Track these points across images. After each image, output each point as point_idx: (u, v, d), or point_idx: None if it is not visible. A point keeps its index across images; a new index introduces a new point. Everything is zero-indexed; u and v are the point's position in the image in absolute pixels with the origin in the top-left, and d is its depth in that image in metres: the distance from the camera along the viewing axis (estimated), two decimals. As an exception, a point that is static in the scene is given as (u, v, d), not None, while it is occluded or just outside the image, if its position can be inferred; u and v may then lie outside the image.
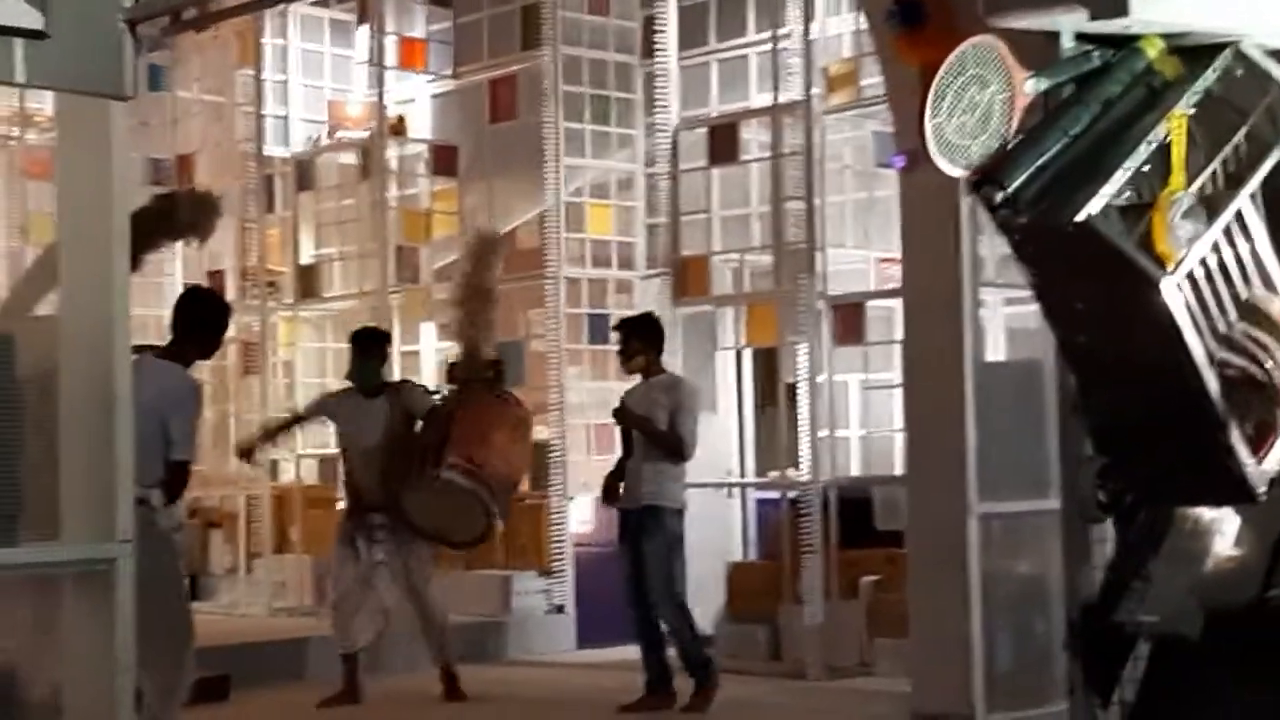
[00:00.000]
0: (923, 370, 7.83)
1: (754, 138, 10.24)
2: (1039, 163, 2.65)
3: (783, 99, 9.66)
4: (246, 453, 9.48)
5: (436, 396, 8.89)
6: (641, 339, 8.43)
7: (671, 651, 8.33)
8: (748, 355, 10.97)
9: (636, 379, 8.44)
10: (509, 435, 8.55)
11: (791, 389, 9.69)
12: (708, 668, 8.27)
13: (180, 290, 12.54)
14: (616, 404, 8.51)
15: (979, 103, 2.66)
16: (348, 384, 8.90)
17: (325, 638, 9.95)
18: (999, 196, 2.62)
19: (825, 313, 9.54)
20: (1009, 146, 2.71)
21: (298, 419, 9.40)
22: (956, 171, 2.65)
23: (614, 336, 8.86)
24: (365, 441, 8.57)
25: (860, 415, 10.01)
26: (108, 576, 4.56)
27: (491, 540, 9.39)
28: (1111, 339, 2.72)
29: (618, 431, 8.61)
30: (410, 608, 8.65)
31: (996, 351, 8.88)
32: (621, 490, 8.33)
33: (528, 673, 9.90)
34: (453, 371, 8.97)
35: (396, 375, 10.07)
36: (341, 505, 11.57)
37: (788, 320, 9.59)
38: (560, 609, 10.75)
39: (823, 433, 9.46)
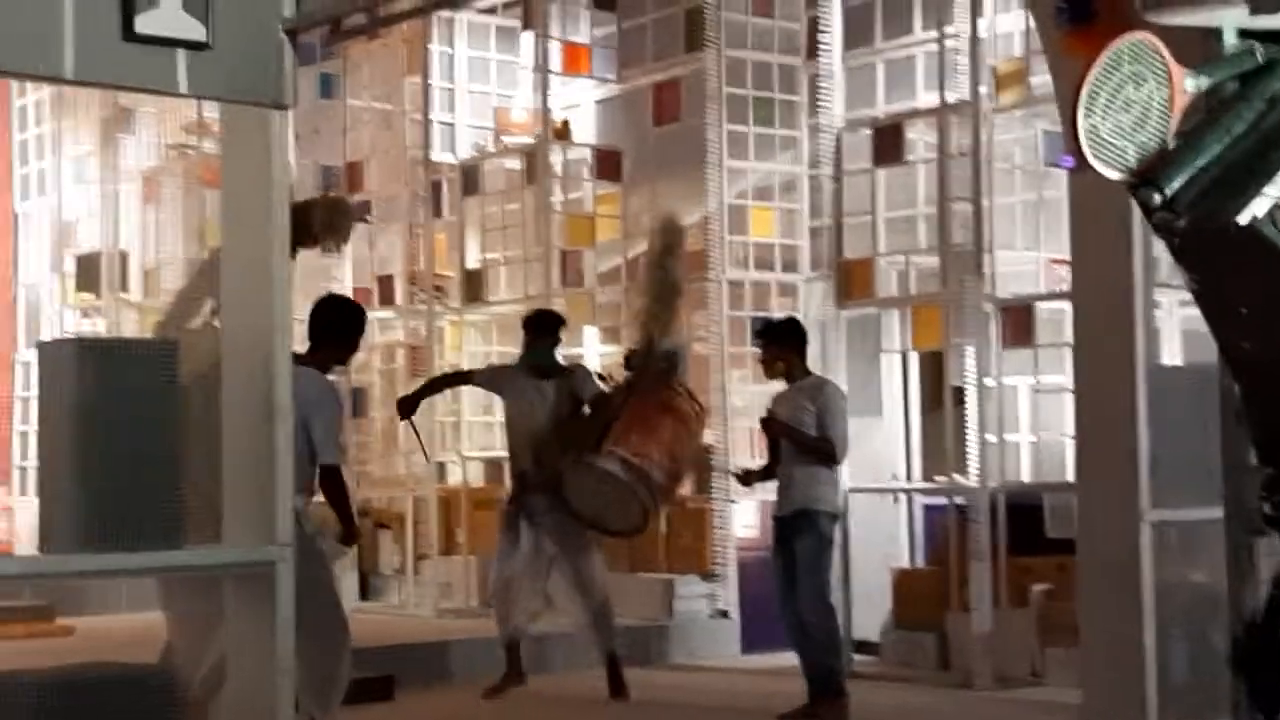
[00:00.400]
0: (1093, 374, 7.63)
1: (920, 138, 10.09)
2: (1199, 163, 2.53)
3: (950, 98, 9.51)
4: (408, 405, 9.08)
5: (610, 382, 8.86)
6: (779, 344, 8.33)
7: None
8: (914, 358, 10.82)
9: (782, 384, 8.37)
10: (675, 428, 8.45)
11: (958, 393, 9.53)
12: (830, 681, 8.09)
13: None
14: (764, 412, 8.42)
15: (1135, 102, 2.55)
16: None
17: (491, 639, 10.06)
18: (1157, 199, 2.52)
19: (993, 315, 9.37)
20: (1168, 147, 2.60)
21: (464, 378, 9.25)
22: (1112, 173, 2.54)
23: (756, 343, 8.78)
24: (531, 422, 8.57)
25: (1030, 420, 9.80)
26: (268, 579, 4.63)
27: (648, 533, 9.29)
28: (1276, 345, 2.60)
29: (765, 439, 8.52)
30: (574, 597, 8.61)
31: (1172, 355, 8.65)
32: (775, 495, 8.27)
33: (691, 677, 9.87)
34: (629, 360, 8.90)
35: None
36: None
37: (954, 323, 9.44)
38: (724, 614, 10.71)
39: (991, 437, 9.29)
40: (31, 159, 14.67)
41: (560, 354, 9.04)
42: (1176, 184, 2.52)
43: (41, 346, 4.57)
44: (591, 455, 8.28)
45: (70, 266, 13.87)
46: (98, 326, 13.06)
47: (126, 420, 4.41)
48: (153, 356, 4.52)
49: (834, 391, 8.37)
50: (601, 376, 9.05)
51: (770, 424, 8.29)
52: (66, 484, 4.39)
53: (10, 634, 9.75)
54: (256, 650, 4.70)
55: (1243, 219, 2.51)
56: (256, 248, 4.76)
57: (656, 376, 8.58)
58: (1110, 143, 2.54)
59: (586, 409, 8.62)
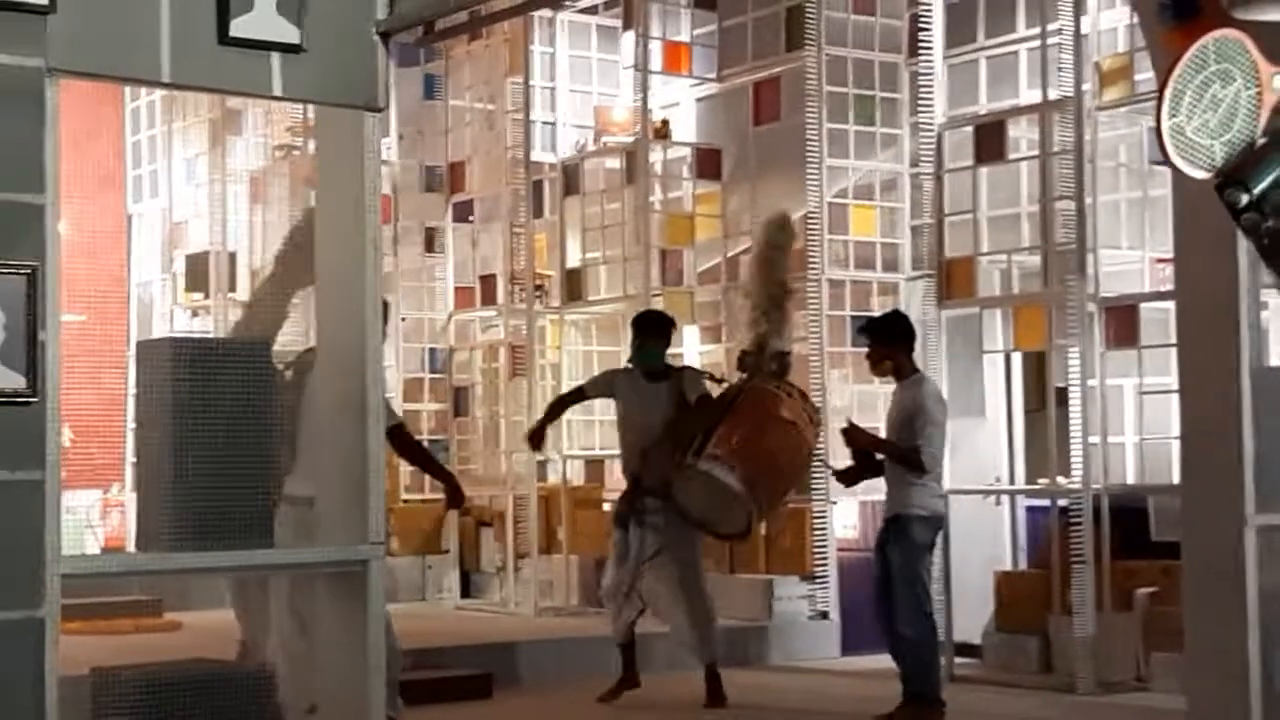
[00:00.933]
0: (1198, 375, 7.50)
1: (1023, 135, 9.97)
2: (1288, 163, 2.47)
3: (1052, 95, 9.39)
4: (537, 438, 9.31)
5: (722, 385, 8.81)
6: (883, 340, 8.18)
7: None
8: (1016, 359, 10.69)
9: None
10: (783, 432, 8.34)
11: (1062, 394, 9.41)
12: (925, 694, 7.96)
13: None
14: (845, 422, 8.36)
15: (1222, 100, 2.49)
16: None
17: (589, 639, 10.08)
18: (1244, 199, 2.46)
19: (1097, 315, 9.24)
20: (1255, 146, 2.53)
21: (582, 395, 9.21)
22: (1198, 173, 2.49)
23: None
24: (643, 425, 8.54)
25: (1135, 421, 9.65)
26: (360, 577, 4.66)
27: (753, 536, 9.25)
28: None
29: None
30: (677, 602, 8.58)
31: (1280, 356, 8.49)
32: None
33: (789, 679, 9.82)
34: (742, 360, 8.84)
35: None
36: (609, 503, 11.81)
37: (1057, 323, 9.32)
38: (824, 615, 10.65)
39: (1094, 439, 9.16)
40: (144, 161, 14.91)
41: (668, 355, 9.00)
42: (1265, 184, 2.46)
43: (140, 346, 4.66)
44: (695, 458, 8.22)
45: (180, 267, 14.08)
46: (206, 326, 13.25)
47: (221, 418, 4.47)
48: (247, 355, 4.58)
49: (927, 392, 8.11)
50: (714, 378, 9.01)
51: (850, 434, 8.18)
52: (162, 482, 4.45)
53: (118, 628, 9.92)
54: (348, 648, 4.73)
55: (1333, 220, 2.45)
56: (350, 249, 4.80)
57: (767, 377, 8.52)
58: (1196, 142, 2.49)
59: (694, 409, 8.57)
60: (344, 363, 4.78)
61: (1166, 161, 2.45)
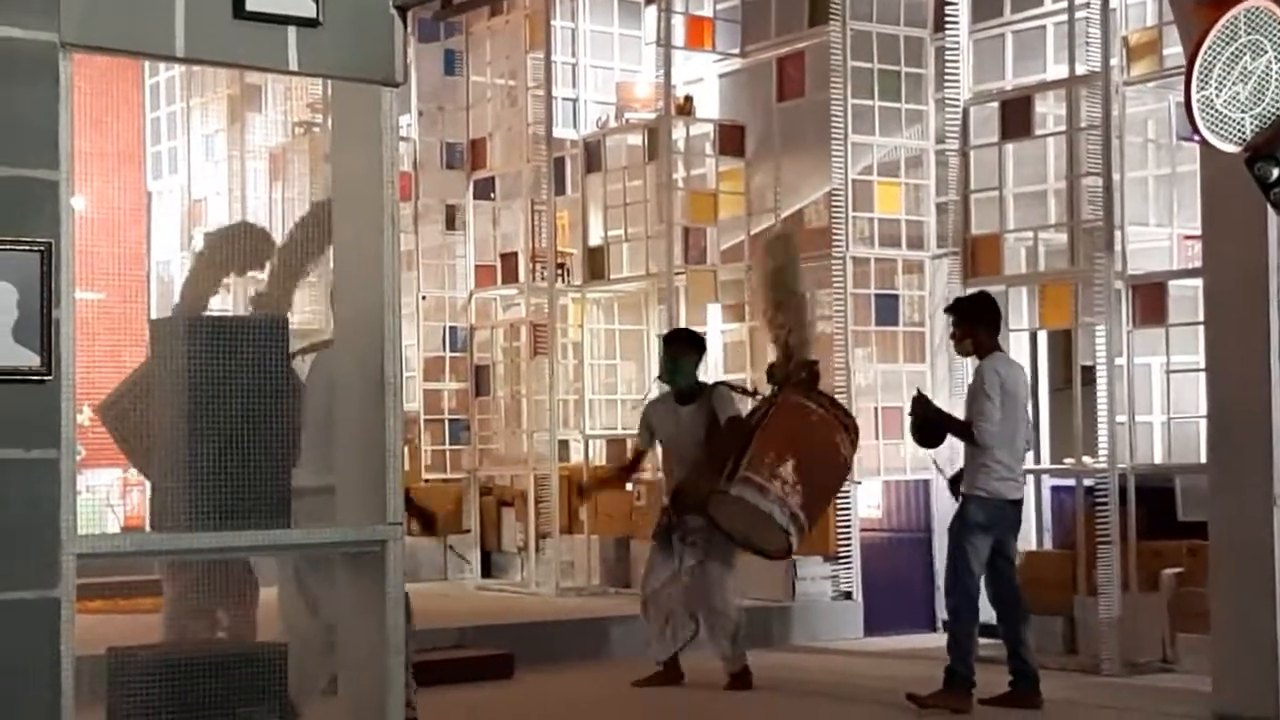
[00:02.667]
0: (1226, 354, 7.43)
1: (1049, 111, 9.86)
2: (1319, 137, 2.40)
3: (1079, 70, 9.28)
4: (585, 491, 9.62)
5: (755, 397, 8.76)
6: (964, 320, 8.11)
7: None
8: (1043, 337, 10.60)
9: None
10: (815, 443, 8.28)
11: (1088, 372, 9.32)
12: (964, 669, 7.88)
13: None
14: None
15: (1252, 72, 2.42)
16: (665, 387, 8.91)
17: (610, 618, 10.06)
18: (1275, 174, 2.39)
19: (1124, 293, 9.15)
20: (1285, 123, 2.46)
21: (639, 452, 9.10)
22: (1228, 147, 2.42)
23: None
24: (681, 450, 8.58)
25: (1163, 400, 9.56)
26: (378, 558, 4.61)
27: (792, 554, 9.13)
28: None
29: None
30: (704, 612, 8.57)
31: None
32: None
33: (813, 659, 9.77)
34: (771, 374, 8.74)
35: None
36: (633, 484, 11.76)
37: (1084, 301, 9.23)
38: (848, 595, 10.60)
39: (1121, 418, 9.07)
40: (164, 137, 14.89)
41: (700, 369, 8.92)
42: (1296, 156, 2.39)
43: (153, 325, 4.60)
44: (729, 482, 8.18)
45: (199, 244, 14.03)
46: (225, 305, 13.20)
47: (237, 397, 4.42)
48: (262, 333, 4.53)
49: (987, 367, 8.04)
50: (746, 391, 8.97)
51: (916, 404, 8.19)
52: (177, 462, 4.41)
53: (139, 607, 9.89)
54: (367, 629, 4.69)
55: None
56: (368, 226, 4.74)
57: (796, 389, 8.46)
58: (1226, 115, 2.42)
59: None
60: (363, 341, 4.73)
61: (1196, 135, 2.38)
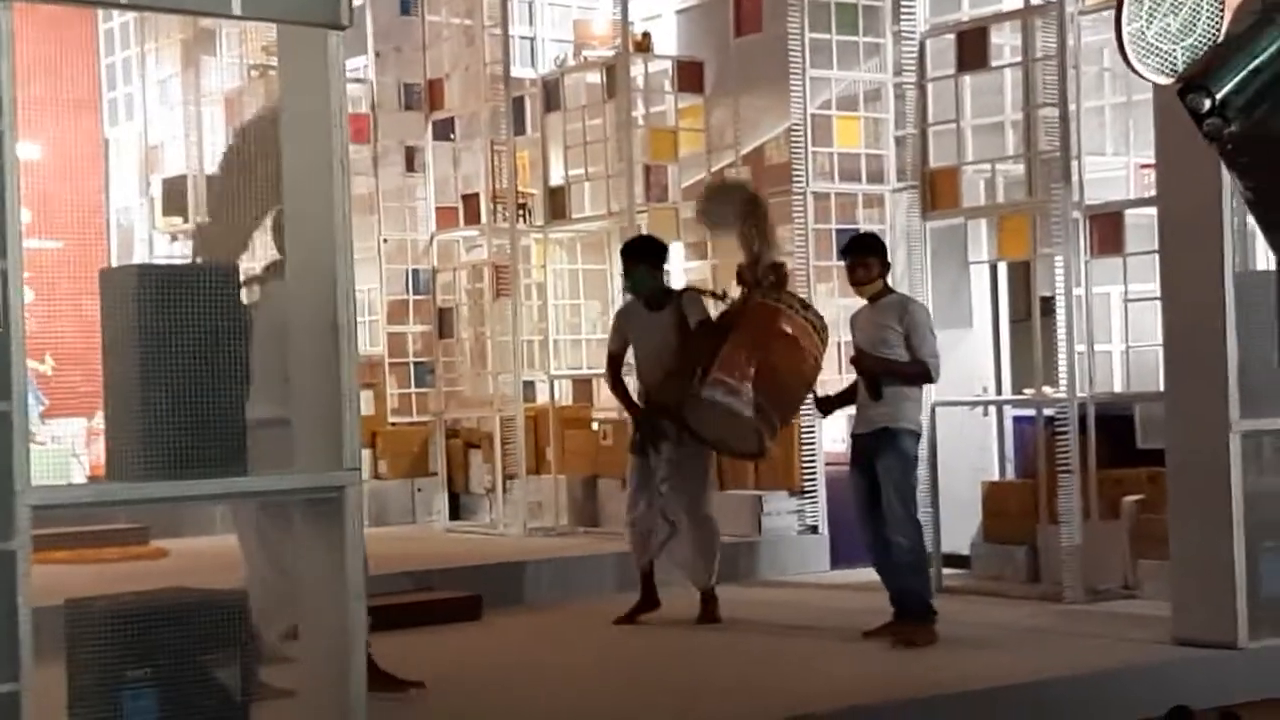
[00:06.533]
0: (1180, 281, 7.47)
1: (1005, 43, 9.85)
2: (1251, 66, 2.40)
3: (1035, 1, 9.26)
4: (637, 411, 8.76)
5: (725, 300, 8.72)
6: (878, 253, 8.14)
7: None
8: (1003, 269, 10.63)
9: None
10: (784, 346, 8.21)
11: (1047, 303, 9.35)
12: (919, 602, 7.93)
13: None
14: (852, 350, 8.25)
15: (1183, 4, 2.42)
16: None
17: (578, 558, 10.10)
18: (1207, 105, 2.39)
19: (1082, 223, 9.17)
20: (1217, 50, 2.46)
21: (614, 357, 8.83)
22: (1159, 79, 2.42)
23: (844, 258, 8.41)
24: (653, 355, 8.52)
25: (1122, 329, 9.61)
26: (337, 504, 4.63)
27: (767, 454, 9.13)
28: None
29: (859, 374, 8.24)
30: (681, 523, 8.54)
31: (1268, 260, 8.42)
32: (853, 413, 8.15)
33: (780, 593, 9.83)
34: (740, 276, 8.64)
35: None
36: (598, 422, 11.77)
37: (1042, 232, 9.25)
38: (814, 529, 10.65)
39: (1080, 348, 9.11)
40: (119, 83, 14.73)
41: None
42: (1227, 88, 2.39)
43: (102, 275, 4.58)
44: (699, 385, 8.18)
45: (157, 191, 13.95)
46: (185, 251, 13.14)
47: (188, 345, 4.42)
48: (213, 281, 4.52)
49: (920, 309, 8.11)
50: (715, 295, 8.92)
51: (862, 360, 8.08)
52: (131, 411, 4.41)
53: (105, 557, 9.90)
54: (327, 575, 4.71)
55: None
56: (316, 170, 4.73)
57: (766, 291, 8.44)
58: (1157, 47, 2.43)
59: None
60: (314, 283, 4.72)
61: (1129, 67, 2.38)
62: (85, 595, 4.50)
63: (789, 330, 8.26)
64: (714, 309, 8.65)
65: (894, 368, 7.95)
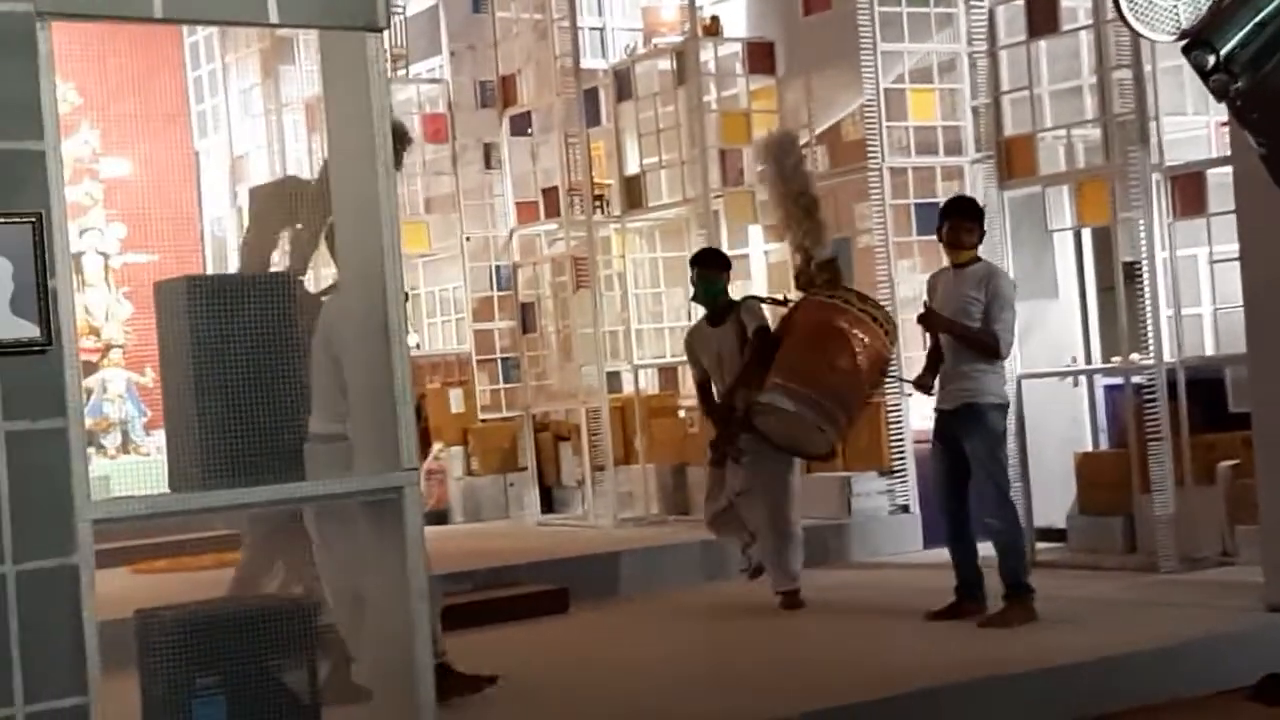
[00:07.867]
0: (1258, 239, 7.31)
1: (1078, 5, 9.68)
2: (1256, 19, 2.31)
3: (1105, -39, 9.10)
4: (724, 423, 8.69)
5: (788, 304, 8.71)
6: (976, 218, 7.92)
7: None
8: (1087, 236, 10.45)
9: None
10: (841, 339, 8.19)
11: (1131, 268, 9.18)
12: (1017, 581, 7.75)
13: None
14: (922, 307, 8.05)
15: (1183, -40, 2.35)
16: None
17: (668, 547, 10.07)
18: (1211, 61, 2.31)
19: (1163, 185, 9.00)
20: (1221, 5, 2.38)
21: (701, 384, 8.85)
22: (1161, 36, 2.35)
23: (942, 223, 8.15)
24: (723, 370, 8.57)
25: (1210, 291, 9.41)
26: (396, 505, 4.63)
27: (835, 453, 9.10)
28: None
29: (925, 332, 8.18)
30: (763, 531, 8.54)
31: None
32: (936, 388, 7.99)
33: (871, 575, 9.73)
34: (797, 279, 8.75)
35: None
36: (684, 410, 11.76)
37: (1121, 196, 9.09)
38: (904, 509, 10.55)
39: (1166, 312, 8.94)
40: (206, 95, 14.91)
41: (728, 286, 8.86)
42: (1231, 43, 2.31)
43: (157, 287, 4.61)
44: (760, 392, 8.18)
45: (244, 200, 14.08)
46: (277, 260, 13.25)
47: (243, 354, 4.44)
48: (266, 290, 4.54)
49: (1005, 280, 7.89)
50: (777, 300, 8.92)
51: (930, 318, 7.97)
52: (188, 422, 4.44)
53: (200, 564, 10.02)
54: (390, 577, 4.71)
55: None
56: (363, 173, 4.73)
57: (820, 289, 8.40)
58: (1158, 4, 2.35)
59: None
60: (366, 287, 4.73)
61: (1125, 25, 2.31)
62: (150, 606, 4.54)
63: (844, 325, 8.24)
64: (773, 315, 8.67)
65: (962, 330, 7.74)
